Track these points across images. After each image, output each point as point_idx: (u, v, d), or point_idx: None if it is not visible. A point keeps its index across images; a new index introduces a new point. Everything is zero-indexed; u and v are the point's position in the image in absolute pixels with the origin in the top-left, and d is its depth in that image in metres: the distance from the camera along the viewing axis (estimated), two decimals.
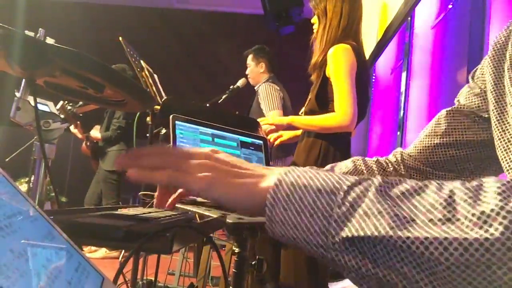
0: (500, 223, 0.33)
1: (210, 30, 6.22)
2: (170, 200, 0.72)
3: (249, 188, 0.46)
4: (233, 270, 0.74)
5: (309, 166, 0.85)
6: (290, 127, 1.88)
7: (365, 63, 1.82)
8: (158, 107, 1.57)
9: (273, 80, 3.03)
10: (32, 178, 1.28)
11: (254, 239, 0.68)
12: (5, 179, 0.33)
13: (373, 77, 4.86)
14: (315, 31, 1.90)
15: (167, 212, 0.72)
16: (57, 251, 0.35)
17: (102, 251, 3.62)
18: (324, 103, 1.76)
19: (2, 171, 0.33)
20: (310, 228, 0.40)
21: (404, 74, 3.50)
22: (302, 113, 1.93)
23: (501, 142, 0.65)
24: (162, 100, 1.63)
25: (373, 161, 0.87)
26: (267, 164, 1.15)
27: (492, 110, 0.67)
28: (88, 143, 3.86)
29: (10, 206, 0.32)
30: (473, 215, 0.34)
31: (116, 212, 0.66)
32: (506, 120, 0.64)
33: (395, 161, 0.87)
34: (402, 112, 3.44)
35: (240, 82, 2.51)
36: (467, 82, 0.80)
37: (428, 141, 0.82)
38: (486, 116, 0.74)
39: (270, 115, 2.73)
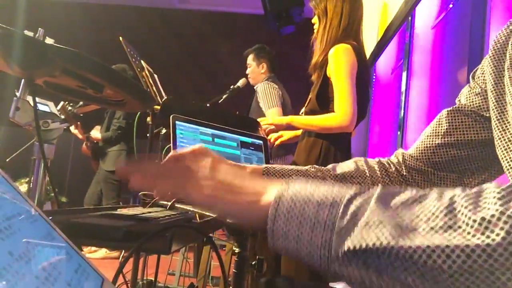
0: (501, 229, 0.33)
1: (210, 30, 6.21)
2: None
3: (249, 204, 0.47)
4: (233, 270, 0.74)
5: (309, 166, 0.85)
6: (289, 127, 1.88)
7: (365, 63, 1.82)
8: (158, 107, 1.57)
9: (273, 79, 3.02)
10: (32, 178, 1.27)
11: (254, 239, 0.68)
12: (5, 179, 0.33)
13: (374, 77, 4.85)
14: (315, 31, 1.89)
15: (167, 212, 0.72)
16: (56, 253, 0.35)
17: (102, 252, 3.62)
18: (324, 103, 1.76)
19: (1, 171, 0.33)
20: (312, 241, 0.40)
21: (404, 74, 3.49)
22: (302, 113, 1.93)
23: (501, 141, 0.64)
24: (162, 100, 1.63)
25: (375, 161, 0.86)
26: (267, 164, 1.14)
27: (492, 109, 0.67)
28: (88, 144, 3.86)
29: (10, 207, 0.32)
30: (474, 221, 0.34)
31: (116, 212, 0.66)
32: (506, 120, 0.64)
33: (397, 162, 0.86)
34: (402, 112, 3.44)
35: (241, 82, 2.51)
36: (468, 82, 0.80)
37: (430, 141, 0.81)
38: (487, 115, 0.74)
39: (269, 112, 2.72)
